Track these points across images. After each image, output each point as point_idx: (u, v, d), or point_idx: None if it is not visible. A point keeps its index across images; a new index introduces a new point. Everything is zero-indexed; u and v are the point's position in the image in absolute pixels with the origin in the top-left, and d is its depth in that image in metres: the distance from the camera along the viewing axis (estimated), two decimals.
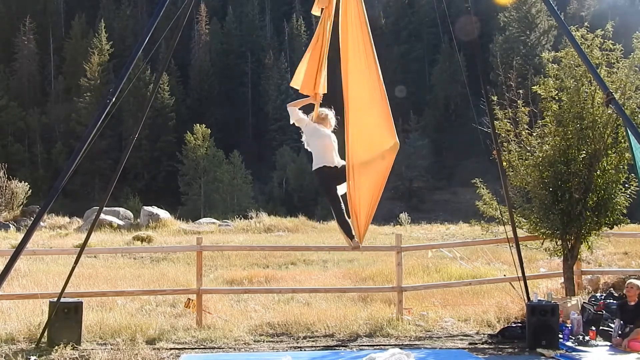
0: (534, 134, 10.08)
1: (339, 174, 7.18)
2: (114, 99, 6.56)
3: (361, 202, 7.04)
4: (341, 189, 7.24)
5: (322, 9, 7.21)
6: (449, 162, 67.61)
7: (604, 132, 9.37)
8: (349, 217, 7.20)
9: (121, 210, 28.40)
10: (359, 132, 7.04)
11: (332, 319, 9.56)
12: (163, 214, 27.19)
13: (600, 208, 9.57)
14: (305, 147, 7.53)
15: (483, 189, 10.59)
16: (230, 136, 69.45)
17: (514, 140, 10.12)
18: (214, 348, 8.32)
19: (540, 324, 8.21)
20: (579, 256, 10.26)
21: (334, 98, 7.47)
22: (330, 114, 7.49)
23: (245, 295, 11.67)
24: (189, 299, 9.87)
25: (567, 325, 8.70)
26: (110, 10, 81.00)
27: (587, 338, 8.33)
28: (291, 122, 7.48)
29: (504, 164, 9.48)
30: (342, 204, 7.21)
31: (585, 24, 9.92)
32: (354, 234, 7.25)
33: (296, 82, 7.46)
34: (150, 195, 54.64)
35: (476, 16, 11.67)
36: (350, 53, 7.05)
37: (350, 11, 7.02)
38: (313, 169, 7.30)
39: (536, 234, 9.98)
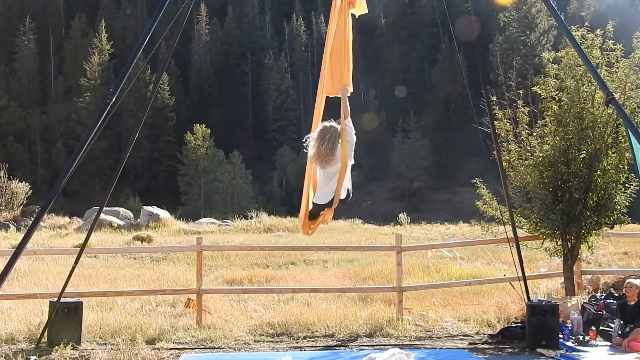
0: (534, 134, 10.08)
1: None
2: (114, 99, 6.56)
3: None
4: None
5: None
6: (449, 162, 67.53)
7: (604, 132, 9.38)
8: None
9: (121, 210, 28.39)
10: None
11: (332, 319, 9.56)
12: (163, 214, 27.20)
13: (600, 208, 9.57)
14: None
15: (483, 189, 10.59)
16: (230, 136, 69.38)
17: (514, 140, 10.12)
18: (214, 348, 8.32)
19: (540, 324, 8.21)
20: (579, 256, 10.26)
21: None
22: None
23: (245, 295, 11.67)
24: (189, 298, 9.87)
25: (567, 325, 8.69)
26: (110, 10, 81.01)
27: (587, 338, 8.33)
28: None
29: (504, 164, 9.48)
30: None
31: (586, 24, 9.92)
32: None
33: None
34: (150, 195, 54.54)
35: (476, 16, 11.65)
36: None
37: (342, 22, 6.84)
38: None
39: (536, 234, 9.98)
